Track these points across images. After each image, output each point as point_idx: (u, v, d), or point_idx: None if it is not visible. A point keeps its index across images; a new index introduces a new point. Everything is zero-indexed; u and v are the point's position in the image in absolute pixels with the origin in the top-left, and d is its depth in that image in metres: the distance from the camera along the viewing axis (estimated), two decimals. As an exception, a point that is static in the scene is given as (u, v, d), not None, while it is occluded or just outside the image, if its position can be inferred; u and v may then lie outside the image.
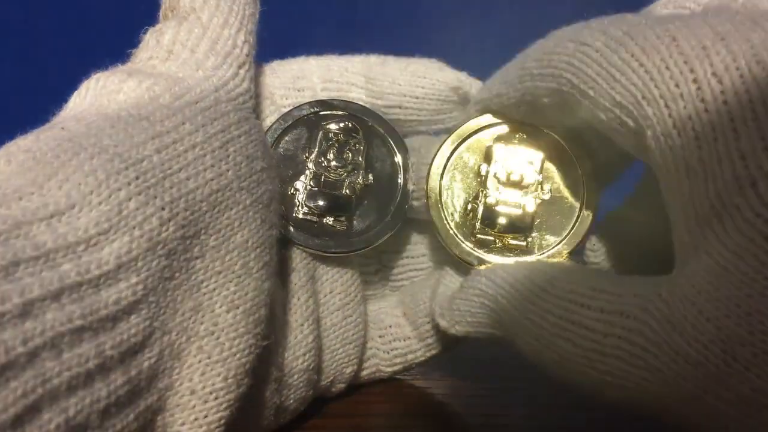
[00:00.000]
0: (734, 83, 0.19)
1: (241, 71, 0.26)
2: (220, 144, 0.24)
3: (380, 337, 0.32)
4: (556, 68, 0.24)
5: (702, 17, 0.22)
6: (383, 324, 0.32)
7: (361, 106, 0.31)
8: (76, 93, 0.24)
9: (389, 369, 0.32)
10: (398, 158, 0.30)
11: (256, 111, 0.30)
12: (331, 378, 0.30)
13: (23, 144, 0.21)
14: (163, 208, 0.21)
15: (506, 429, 0.30)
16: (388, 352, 0.32)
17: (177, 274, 0.21)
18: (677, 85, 0.20)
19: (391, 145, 0.30)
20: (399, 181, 0.30)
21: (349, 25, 0.55)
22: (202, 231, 0.22)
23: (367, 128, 0.30)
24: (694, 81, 0.20)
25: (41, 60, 0.56)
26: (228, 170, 0.23)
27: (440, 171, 0.30)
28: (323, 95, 0.31)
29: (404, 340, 0.32)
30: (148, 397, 0.20)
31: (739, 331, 0.19)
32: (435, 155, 0.30)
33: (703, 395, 0.20)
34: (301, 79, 0.31)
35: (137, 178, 0.21)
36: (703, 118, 0.20)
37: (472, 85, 0.30)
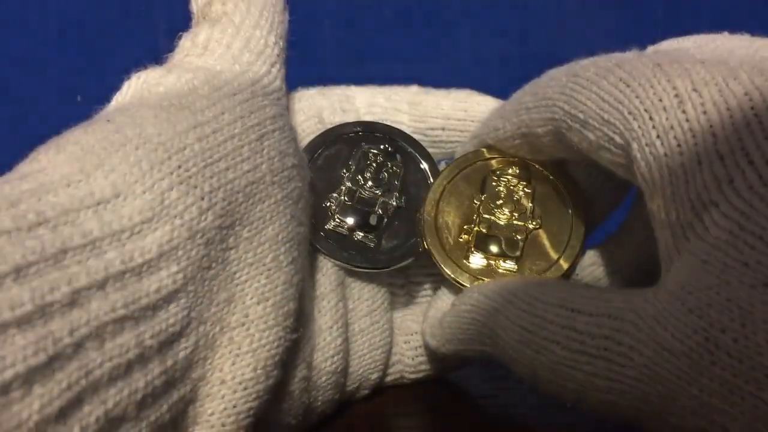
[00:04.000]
0: (713, 95, 0.21)
1: (274, 69, 0.27)
2: (256, 137, 0.24)
3: (405, 342, 0.32)
4: (550, 99, 0.26)
5: (684, 51, 0.24)
6: (409, 330, 0.32)
7: (402, 132, 0.32)
8: (118, 92, 0.25)
9: (413, 375, 0.33)
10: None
11: (292, 115, 0.31)
12: (357, 383, 0.31)
13: (72, 137, 0.21)
14: (202, 198, 0.21)
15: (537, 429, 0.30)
16: (413, 359, 0.32)
17: (214, 264, 0.22)
18: (660, 100, 0.22)
19: (427, 172, 0.32)
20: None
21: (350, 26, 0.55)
22: (237, 222, 0.23)
23: (406, 154, 0.32)
24: (676, 96, 0.22)
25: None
26: (262, 163, 0.24)
27: (437, 197, 0.31)
28: (367, 118, 0.32)
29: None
30: (181, 387, 0.21)
31: (720, 318, 0.20)
32: (434, 182, 0.31)
33: (688, 387, 0.20)
34: (345, 102, 0.33)
35: (179, 167, 0.21)
36: (684, 126, 0.21)
37: None
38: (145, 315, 0.19)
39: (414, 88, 0.33)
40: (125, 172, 0.20)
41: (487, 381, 0.35)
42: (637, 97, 0.23)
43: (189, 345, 0.21)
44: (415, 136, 0.33)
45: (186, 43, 0.27)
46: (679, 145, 0.21)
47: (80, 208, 0.19)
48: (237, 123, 0.24)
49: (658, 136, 0.22)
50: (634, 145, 0.23)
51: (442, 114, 0.32)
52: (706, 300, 0.20)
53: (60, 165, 0.20)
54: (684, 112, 0.21)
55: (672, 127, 0.22)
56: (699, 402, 0.20)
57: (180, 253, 0.20)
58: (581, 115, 0.25)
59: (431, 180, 0.32)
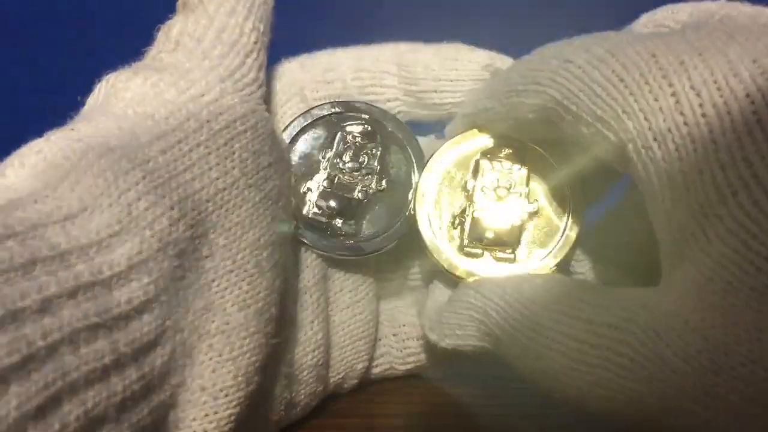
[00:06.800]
0: (712, 96, 0.20)
1: (249, 60, 0.26)
2: (224, 141, 0.24)
3: (394, 335, 0.32)
4: (540, 84, 0.25)
5: (680, 34, 0.22)
6: (398, 322, 0.32)
7: (383, 110, 0.31)
8: (91, 96, 0.24)
9: (402, 367, 0.33)
10: (414, 166, 0.30)
11: (269, 102, 0.29)
12: (342, 374, 0.31)
13: (35, 146, 0.21)
14: (172, 208, 0.21)
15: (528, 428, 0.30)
16: (401, 350, 0.32)
17: (188, 274, 0.22)
18: (656, 99, 0.21)
19: (409, 152, 0.31)
20: (413, 189, 0.30)
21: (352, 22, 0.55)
22: (210, 230, 0.23)
23: (387, 133, 0.30)
24: (673, 95, 0.20)
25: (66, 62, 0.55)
26: (233, 168, 0.23)
27: (428, 184, 0.30)
28: (354, 85, 0.31)
29: (417, 339, 0.32)
30: (161, 393, 0.21)
31: (725, 341, 0.19)
32: (424, 168, 0.30)
33: (691, 406, 0.20)
34: (330, 72, 0.31)
35: (144, 178, 0.21)
36: (682, 130, 0.20)
37: (503, 61, 0.30)
38: (118, 324, 0.19)
39: (402, 47, 0.31)
40: (90, 185, 0.20)
41: (487, 381, 0.35)
42: (631, 94, 0.21)
43: (165, 353, 0.21)
44: (407, 99, 0.31)
45: (161, 37, 0.26)
46: (677, 150, 0.20)
47: (47, 223, 0.19)
48: (203, 129, 0.23)
49: (655, 139, 0.21)
50: (630, 147, 0.22)
51: (432, 76, 0.31)
52: (710, 321, 0.19)
53: (26, 179, 0.20)
54: (682, 114, 0.20)
55: (670, 131, 0.20)
56: (702, 420, 0.20)
57: (151, 264, 0.20)
58: (574, 108, 0.23)
59: (413, 160, 0.30)
